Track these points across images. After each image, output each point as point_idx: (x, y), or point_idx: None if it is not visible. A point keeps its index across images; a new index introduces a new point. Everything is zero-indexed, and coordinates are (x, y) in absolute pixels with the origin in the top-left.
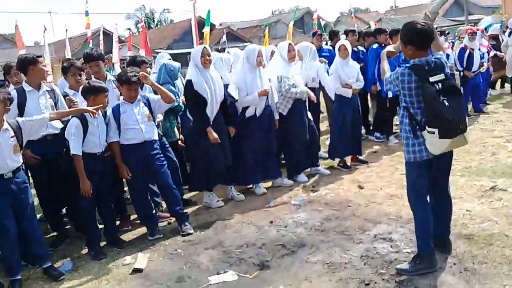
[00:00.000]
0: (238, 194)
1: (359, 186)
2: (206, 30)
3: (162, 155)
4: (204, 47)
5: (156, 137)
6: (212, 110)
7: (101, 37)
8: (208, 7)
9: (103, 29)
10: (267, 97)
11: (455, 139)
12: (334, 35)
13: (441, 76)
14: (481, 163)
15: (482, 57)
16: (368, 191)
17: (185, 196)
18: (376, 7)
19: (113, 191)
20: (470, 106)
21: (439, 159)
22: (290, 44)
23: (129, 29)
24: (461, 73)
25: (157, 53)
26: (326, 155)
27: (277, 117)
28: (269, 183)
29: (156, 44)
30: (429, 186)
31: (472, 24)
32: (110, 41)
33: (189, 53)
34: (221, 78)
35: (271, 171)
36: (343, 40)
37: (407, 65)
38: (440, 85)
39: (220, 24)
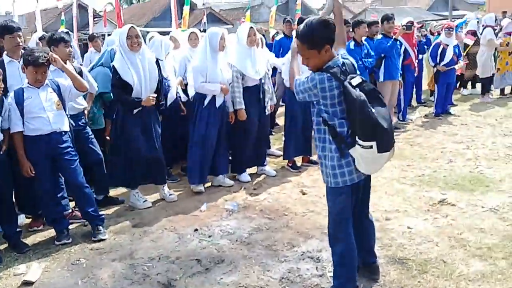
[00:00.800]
0: (170, 194)
1: (301, 191)
2: (186, 9)
3: (72, 149)
4: (131, 27)
5: (67, 128)
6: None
7: (75, 10)
8: None
9: (79, 1)
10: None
11: (392, 151)
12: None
13: (358, 79)
14: (435, 171)
15: (458, 55)
16: (309, 198)
17: (113, 193)
18: None
19: (11, 187)
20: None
21: (366, 178)
22: (251, 27)
23: (110, 3)
24: (435, 69)
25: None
26: (280, 152)
27: (231, 109)
28: (209, 182)
29: (134, 21)
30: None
31: (454, 20)
32: (86, 15)
33: (168, 32)
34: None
35: (218, 166)
36: None
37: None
38: (358, 89)
39: (203, 4)
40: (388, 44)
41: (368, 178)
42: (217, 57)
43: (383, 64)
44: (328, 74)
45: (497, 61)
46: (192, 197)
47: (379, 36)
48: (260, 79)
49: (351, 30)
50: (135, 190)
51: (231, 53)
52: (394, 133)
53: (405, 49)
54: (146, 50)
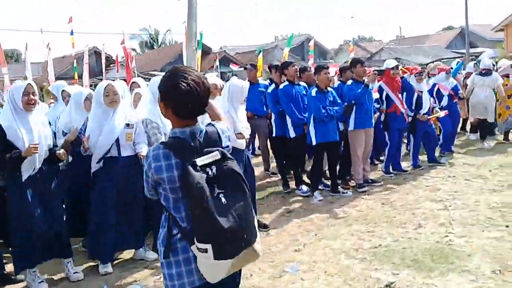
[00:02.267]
0: (74, 272)
1: None
2: (198, 53)
3: None
4: (29, 84)
5: None
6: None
7: (86, 57)
8: (211, 31)
9: (95, 48)
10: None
11: (241, 256)
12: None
13: (216, 155)
14: (396, 240)
15: (439, 100)
16: None
17: None
18: (381, 36)
19: None
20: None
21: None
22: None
23: (134, 49)
24: (410, 119)
25: (152, 75)
26: None
27: None
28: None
29: (149, 66)
30: None
31: (474, 57)
32: (101, 61)
33: None
34: None
35: (130, 238)
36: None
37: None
38: (214, 169)
39: (221, 48)
40: (359, 91)
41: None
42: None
43: (353, 112)
44: (166, 149)
45: (497, 107)
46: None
47: (349, 82)
48: None
49: (314, 74)
50: (33, 268)
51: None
52: (365, 189)
53: (388, 96)
54: (40, 110)
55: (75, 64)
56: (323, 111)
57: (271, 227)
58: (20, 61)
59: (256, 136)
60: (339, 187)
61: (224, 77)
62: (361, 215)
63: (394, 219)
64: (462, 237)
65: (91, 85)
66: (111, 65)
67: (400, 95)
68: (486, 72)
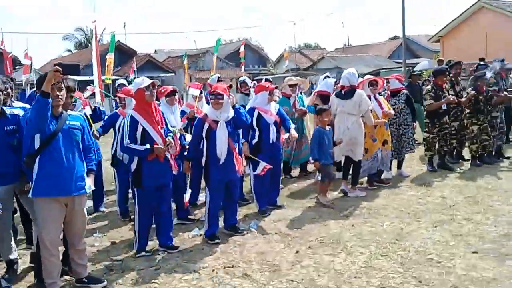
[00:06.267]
0: None
1: None
2: (110, 56)
3: None
4: None
5: None
6: None
7: None
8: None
9: None
10: None
11: None
12: None
13: None
14: None
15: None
16: None
17: None
18: (326, 44)
19: None
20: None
21: None
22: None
23: (69, 50)
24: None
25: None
26: None
27: None
28: None
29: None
30: None
31: (410, 68)
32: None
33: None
34: None
35: None
36: None
37: None
38: None
39: (155, 51)
40: None
41: None
42: None
43: None
44: None
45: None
46: None
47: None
48: None
49: None
50: None
51: None
52: None
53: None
54: None
55: None
56: None
57: None
58: None
59: None
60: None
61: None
62: None
63: None
64: None
65: None
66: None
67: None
68: (347, 92)
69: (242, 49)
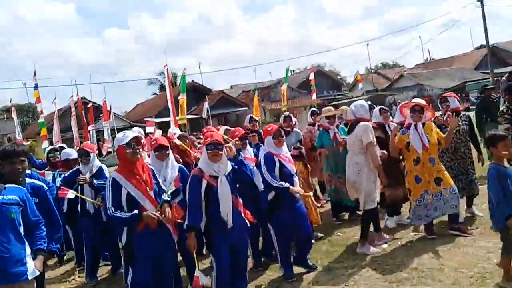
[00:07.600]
0: None
1: None
2: (182, 97)
3: None
4: None
5: None
6: None
7: (73, 109)
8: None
9: (84, 99)
10: None
11: None
12: None
13: None
14: None
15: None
16: None
17: None
18: (405, 61)
19: None
20: None
21: None
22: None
23: (155, 93)
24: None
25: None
26: None
27: None
28: None
29: (146, 112)
30: None
31: (499, 77)
32: (97, 111)
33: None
34: None
35: None
36: None
37: None
38: None
39: (231, 87)
40: None
41: None
42: None
43: None
44: None
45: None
46: None
47: None
48: None
49: None
50: None
51: None
52: None
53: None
54: None
55: (42, 119)
56: None
57: None
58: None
59: None
60: None
61: (228, 118)
62: None
63: None
64: None
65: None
66: (100, 115)
67: None
68: (351, 125)
69: (311, 76)
